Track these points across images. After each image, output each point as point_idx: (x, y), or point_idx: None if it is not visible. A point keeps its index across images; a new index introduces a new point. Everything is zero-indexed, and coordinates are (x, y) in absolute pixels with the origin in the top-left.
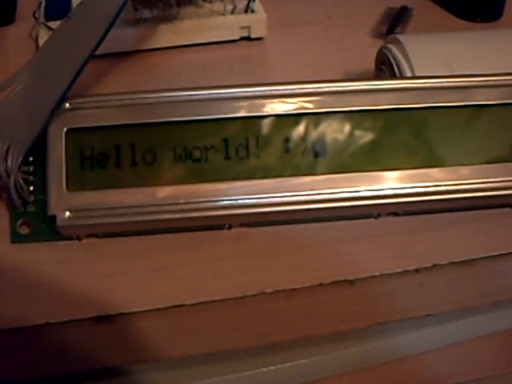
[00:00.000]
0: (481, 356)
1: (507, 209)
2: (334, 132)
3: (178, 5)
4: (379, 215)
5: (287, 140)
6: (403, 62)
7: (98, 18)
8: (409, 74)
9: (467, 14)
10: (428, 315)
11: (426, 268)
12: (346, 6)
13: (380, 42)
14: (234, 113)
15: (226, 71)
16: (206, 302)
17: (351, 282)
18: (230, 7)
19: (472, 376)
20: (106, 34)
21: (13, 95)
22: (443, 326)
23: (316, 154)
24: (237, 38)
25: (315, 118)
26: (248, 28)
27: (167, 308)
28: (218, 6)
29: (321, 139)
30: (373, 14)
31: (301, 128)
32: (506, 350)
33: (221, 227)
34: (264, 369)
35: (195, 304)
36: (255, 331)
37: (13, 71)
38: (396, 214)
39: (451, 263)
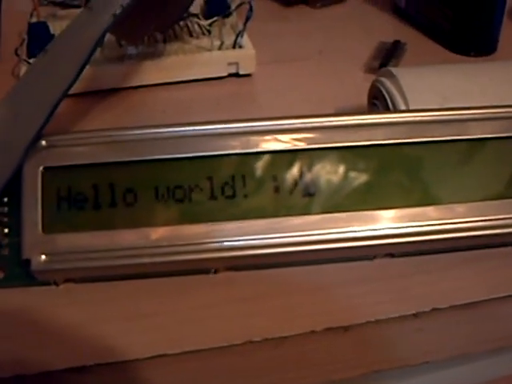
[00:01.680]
0: None
1: (509, 248)
2: (326, 170)
3: (164, 41)
4: (375, 257)
5: (276, 178)
6: (397, 96)
7: (73, 53)
8: (403, 108)
9: (461, 48)
10: (426, 362)
11: (424, 312)
12: (338, 41)
13: (372, 77)
14: (219, 150)
15: (212, 108)
16: (190, 352)
17: (345, 328)
18: (217, 43)
19: None
20: (82, 70)
21: None
22: (443, 372)
23: (307, 194)
24: (225, 74)
25: (306, 155)
26: (236, 64)
27: (148, 358)
28: (205, 42)
29: (312, 178)
30: (365, 48)
31: (290, 166)
32: None
33: (206, 271)
34: None
35: (178, 354)
36: (243, 382)
37: None
38: (392, 256)
39: (451, 307)
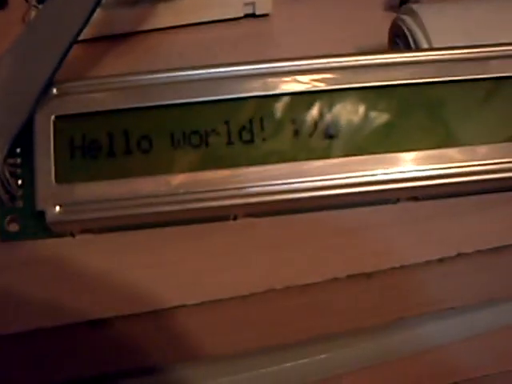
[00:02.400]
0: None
1: None
2: (347, 111)
3: None
4: (398, 200)
5: (295, 121)
6: (419, 34)
7: None
8: (425, 46)
9: None
10: (452, 308)
11: (449, 257)
12: None
13: (392, 15)
14: (236, 93)
15: (229, 50)
16: (211, 301)
17: (368, 275)
18: None
19: (501, 368)
20: (92, 13)
21: None
22: (469, 315)
23: (327, 136)
24: (241, 15)
25: (325, 96)
26: (252, 4)
27: (166, 309)
28: None
29: (332, 120)
30: None
31: (310, 108)
32: None
33: (225, 218)
34: (277, 367)
35: (198, 304)
36: (265, 331)
37: None
38: (416, 199)
39: (477, 251)
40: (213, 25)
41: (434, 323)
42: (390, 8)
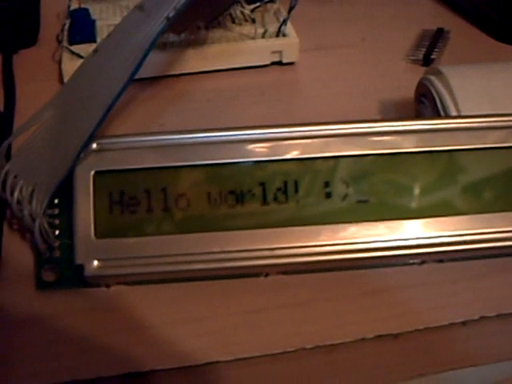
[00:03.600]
0: None
1: None
2: (377, 176)
3: (207, 28)
4: (424, 262)
5: (327, 184)
6: (447, 97)
7: (127, 55)
8: (452, 109)
9: (508, 38)
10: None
11: (472, 320)
12: (380, 28)
13: (416, 68)
14: (272, 156)
15: (256, 98)
16: (242, 359)
17: (395, 336)
18: (260, 31)
19: None
20: (135, 72)
21: (37, 134)
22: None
23: (358, 200)
24: (268, 62)
25: (357, 160)
26: (280, 52)
27: (200, 366)
28: (248, 30)
29: (363, 184)
30: (407, 37)
31: (342, 172)
32: None
33: (257, 275)
34: None
35: (231, 361)
36: None
37: (34, 95)
38: (441, 261)
39: (499, 315)
40: (240, 71)
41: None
42: (414, 61)
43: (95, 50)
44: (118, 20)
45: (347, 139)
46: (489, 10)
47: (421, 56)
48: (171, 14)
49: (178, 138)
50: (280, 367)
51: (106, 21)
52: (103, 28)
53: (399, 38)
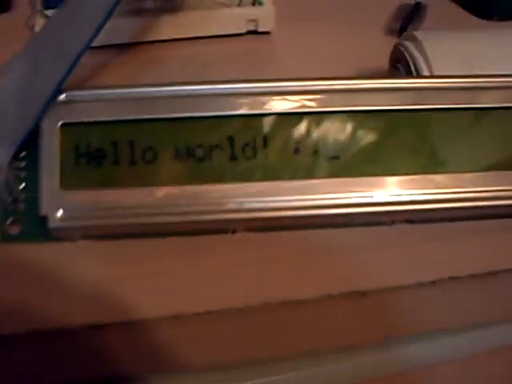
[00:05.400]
0: (493, 370)
1: None
2: (348, 133)
3: None
4: (393, 222)
5: (297, 140)
6: (421, 61)
7: (96, 5)
8: (426, 73)
9: (485, 12)
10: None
11: (442, 280)
12: (359, 0)
13: (392, 39)
14: (241, 110)
15: (230, 66)
16: (206, 313)
17: (363, 293)
18: None
19: None
20: (103, 23)
21: (4, 86)
22: (457, 337)
23: (327, 157)
24: (243, 31)
25: (327, 117)
26: (255, 21)
27: (164, 318)
28: None
29: (333, 140)
30: (386, 9)
31: (312, 128)
32: None
33: (224, 231)
34: (265, 379)
35: (194, 314)
36: (260, 343)
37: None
38: (411, 222)
39: (470, 275)
40: (215, 39)
41: (421, 344)
42: (391, 32)
43: (65, 2)
44: None
45: (319, 96)
46: None
47: (397, 27)
48: None
49: (146, 91)
50: (245, 322)
51: None
52: None
53: (377, 10)
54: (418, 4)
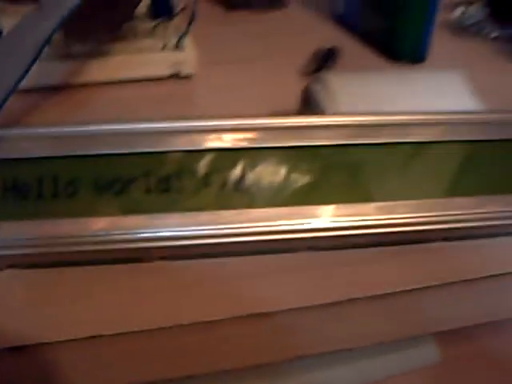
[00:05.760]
0: None
1: (426, 244)
2: (258, 168)
3: (111, 41)
4: (297, 250)
5: (208, 174)
6: (326, 101)
7: (22, 51)
8: (331, 111)
9: (395, 56)
10: (348, 349)
11: (342, 302)
12: (278, 45)
13: (307, 81)
14: (156, 147)
15: (153, 107)
16: (124, 333)
17: (268, 315)
18: (160, 44)
19: None
20: (29, 67)
21: None
22: (365, 361)
23: (237, 189)
24: (167, 74)
25: (237, 153)
26: (178, 65)
27: (85, 338)
28: (149, 43)
29: (242, 174)
30: (303, 53)
31: (223, 163)
32: None
33: (141, 260)
34: None
35: (114, 335)
36: (173, 363)
37: None
38: (314, 249)
39: (368, 297)
40: (141, 82)
41: (330, 369)
42: (305, 74)
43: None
44: None
45: (233, 134)
46: (378, 31)
47: (312, 70)
48: (66, 13)
49: (68, 131)
50: (158, 342)
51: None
52: None
53: (295, 54)
54: (332, 48)
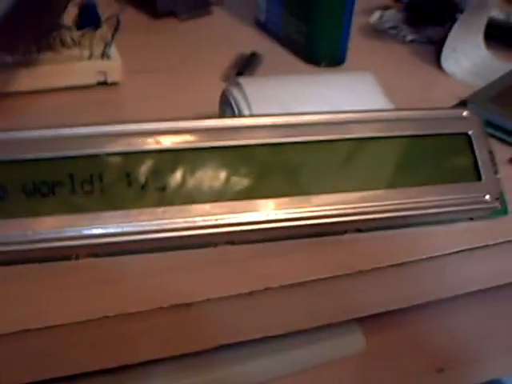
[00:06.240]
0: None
1: (338, 236)
2: (176, 167)
3: (39, 50)
4: (217, 244)
5: (129, 175)
6: (242, 102)
7: None
8: (247, 113)
9: (313, 60)
10: (266, 337)
11: (258, 291)
12: (202, 51)
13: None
14: (79, 150)
15: (81, 114)
16: (51, 327)
17: (188, 305)
18: (87, 53)
19: None
20: None
21: None
22: (291, 352)
23: (157, 188)
24: (94, 82)
25: (155, 154)
26: (104, 73)
27: (14, 333)
28: (76, 52)
29: (161, 173)
30: (226, 59)
31: (142, 163)
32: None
33: (69, 258)
34: None
35: (40, 328)
36: (101, 353)
37: None
38: (232, 243)
39: (282, 286)
40: (69, 90)
41: (258, 359)
42: (227, 79)
43: None
44: None
45: (149, 137)
46: (297, 36)
47: (233, 75)
48: None
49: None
50: (86, 334)
51: None
52: None
53: (218, 60)
54: (253, 54)
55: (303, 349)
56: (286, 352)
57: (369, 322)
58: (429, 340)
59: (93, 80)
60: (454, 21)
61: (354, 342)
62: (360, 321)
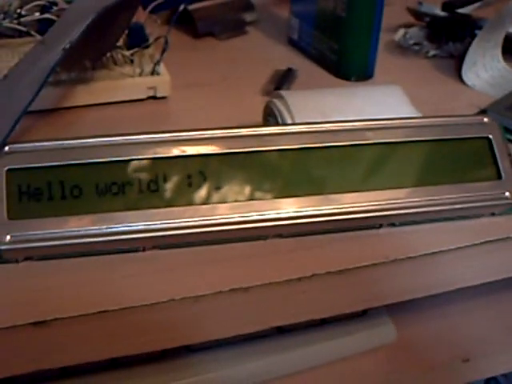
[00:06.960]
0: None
1: (374, 230)
2: (230, 168)
3: (93, 68)
4: (267, 237)
5: (190, 176)
6: (285, 113)
7: (31, 79)
8: (289, 121)
9: (344, 75)
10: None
11: (306, 277)
12: (240, 68)
13: (267, 100)
14: (146, 155)
15: (134, 126)
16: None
17: (246, 289)
18: (138, 70)
19: None
20: (38, 93)
21: None
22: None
23: (214, 187)
24: (144, 97)
25: (213, 158)
26: (154, 88)
27: (94, 313)
28: (127, 70)
29: (218, 175)
30: (263, 75)
31: (201, 166)
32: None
33: (136, 250)
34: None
35: (119, 309)
36: (170, 334)
37: None
38: (281, 236)
39: (328, 272)
40: (121, 104)
41: (295, 350)
42: (266, 93)
43: (5, 76)
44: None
45: (205, 143)
46: (329, 53)
47: (272, 89)
48: (67, 46)
49: (71, 143)
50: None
51: (6, 63)
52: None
53: (256, 76)
54: (289, 69)
55: (339, 339)
56: (321, 343)
57: (399, 314)
58: (455, 331)
59: (143, 95)
60: (473, 37)
61: (386, 332)
62: (390, 314)
